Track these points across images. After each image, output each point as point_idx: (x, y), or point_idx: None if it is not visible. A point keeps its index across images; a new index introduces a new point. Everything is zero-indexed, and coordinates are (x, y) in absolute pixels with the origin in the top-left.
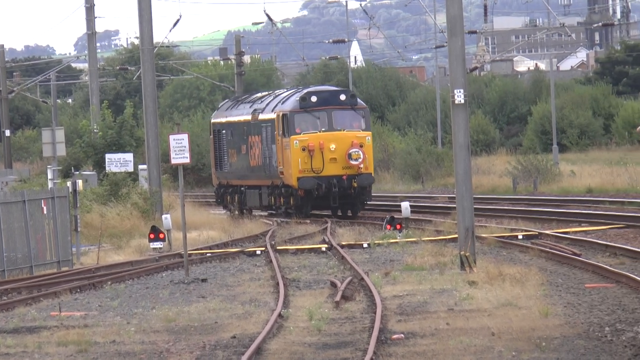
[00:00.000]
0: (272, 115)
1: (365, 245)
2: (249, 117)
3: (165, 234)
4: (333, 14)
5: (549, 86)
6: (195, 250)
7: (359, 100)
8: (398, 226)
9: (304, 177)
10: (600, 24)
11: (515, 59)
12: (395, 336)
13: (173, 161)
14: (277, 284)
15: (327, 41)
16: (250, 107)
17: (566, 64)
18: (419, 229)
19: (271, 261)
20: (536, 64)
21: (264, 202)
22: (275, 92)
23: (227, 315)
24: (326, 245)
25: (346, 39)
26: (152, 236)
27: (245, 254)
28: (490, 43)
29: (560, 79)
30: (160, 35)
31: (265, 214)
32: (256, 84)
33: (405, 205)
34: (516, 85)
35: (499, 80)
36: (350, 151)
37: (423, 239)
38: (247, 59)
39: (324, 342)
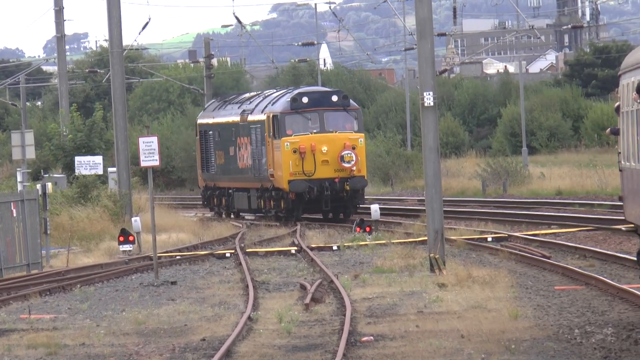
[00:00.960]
0: (262, 117)
1: (334, 247)
2: (237, 118)
3: (135, 236)
4: (302, 16)
5: (518, 88)
6: (164, 252)
7: (351, 101)
8: (367, 228)
9: (295, 180)
10: (569, 26)
11: (484, 61)
12: (364, 338)
13: (142, 164)
14: (247, 286)
15: (296, 44)
16: (238, 107)
17: (535, 67)
18: (389, 231)
19: (241, 264)
20: (505, 66)
21: (253, 205)
22: (265, 92)
23: (197, 317)
24: (296, 248)
25: (315, 42)
26: (121, 239)
27: (215, 256)
28: (459, 45)
29: (529, 81)
30: (130, 37)
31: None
32: (225, 86)
33: (374, 208)
34: (486, 88)
35: (469, 83)
36: (343, 153)
37: (392, 241)
38: (215, 62)
39: (293, 344)
